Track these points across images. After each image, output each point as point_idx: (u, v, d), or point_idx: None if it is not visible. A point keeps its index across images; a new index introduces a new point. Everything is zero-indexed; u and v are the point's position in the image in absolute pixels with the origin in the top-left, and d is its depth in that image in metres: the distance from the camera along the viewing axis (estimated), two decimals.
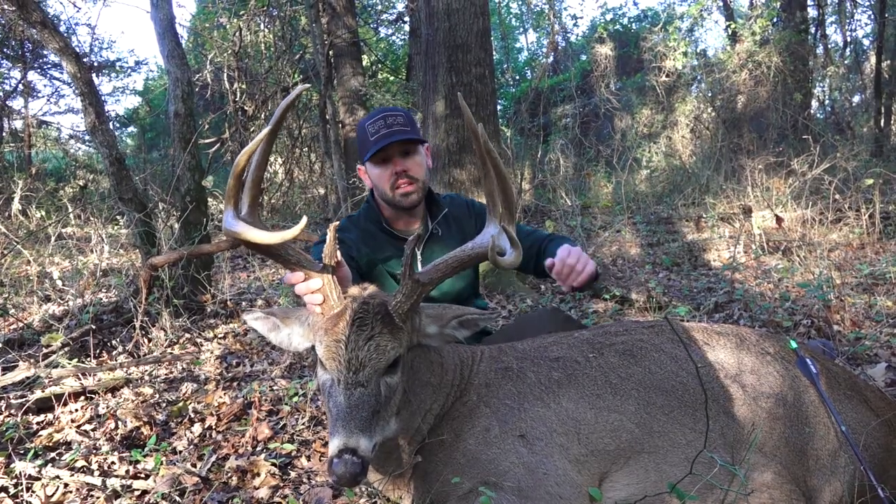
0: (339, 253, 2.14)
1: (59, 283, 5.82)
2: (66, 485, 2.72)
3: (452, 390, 2.27)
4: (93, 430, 3.35)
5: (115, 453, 3.00)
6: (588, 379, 2.20)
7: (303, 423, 3.39)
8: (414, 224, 3.07)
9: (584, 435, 2.11)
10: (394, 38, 19.68)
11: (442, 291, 2.95)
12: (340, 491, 2.70)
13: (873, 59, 14.03)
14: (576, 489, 2.04)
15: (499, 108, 17.98)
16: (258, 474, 2.82)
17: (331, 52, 11.86)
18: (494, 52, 11.55)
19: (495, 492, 2.01)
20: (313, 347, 2.11)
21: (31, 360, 4.00)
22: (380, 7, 18.01)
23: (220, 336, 5.05)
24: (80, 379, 3.89)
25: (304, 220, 1.95)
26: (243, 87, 12.48)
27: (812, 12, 15.28)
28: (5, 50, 15.04)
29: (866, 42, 17.42)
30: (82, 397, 3.74)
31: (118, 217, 7.96)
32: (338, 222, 2.16)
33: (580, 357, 2.27)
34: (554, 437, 2.10)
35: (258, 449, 3.13)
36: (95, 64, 16.77)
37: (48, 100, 17.58)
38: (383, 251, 2.94)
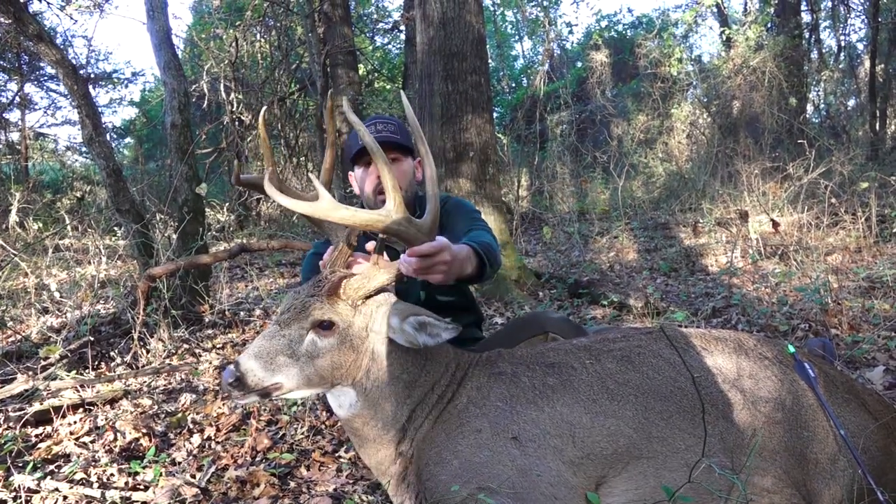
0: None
1: (56, 294, 5.81)
2: (65, 497, 2.71)
3: (436, 388, 2.31)
4: (91, 442, 3.34)
5: (115, 465, 2.99)
6: (584, 384, 2.21)
7: (302, 433, 3.39)
8: None
9: (579, 438, 2.11)
10: (390, 46, 19.76)
11: (434, 303, 2.95)
12: (341, 500, 2.70)
13: (867, 63, 14.11)
14: (571, 490, 2.04)
15: (495, 115, 18.03)
16: (257, 485, 2.82)
17: (327, 62, 11.89)
18: (490, 60, 11.59)
19: (492, 497, 2.01)
20: None
21: (30, 373, 4.00)
22: (376, 16, 18.09)
23: (218, 346, 5.04)
24: (78, 391, 3.88)
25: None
26: (240, 97, 12.50)
27: (806, 17, 15.39)
28: (2, 62, 15.06)
29: (860, 46, 17.51)
30: (81, 409, 3.73)
31: (116, 228, 7.96)
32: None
33: (576, 363, 2.28)
34: (547, 439, 2.11)
35: (257, 459, 3.13)
36: (92, 75, 16.79)
37: (45, 112, 17.62)
38: None
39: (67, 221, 8.62)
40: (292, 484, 2.90)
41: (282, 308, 2.22)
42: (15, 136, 15.97)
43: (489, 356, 2.42)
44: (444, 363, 2.36)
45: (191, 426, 3.50)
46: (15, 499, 2.68)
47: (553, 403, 2.17)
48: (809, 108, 15.52)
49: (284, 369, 2.13)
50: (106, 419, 3.59)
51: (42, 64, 15.05)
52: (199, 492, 2.73)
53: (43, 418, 3.55)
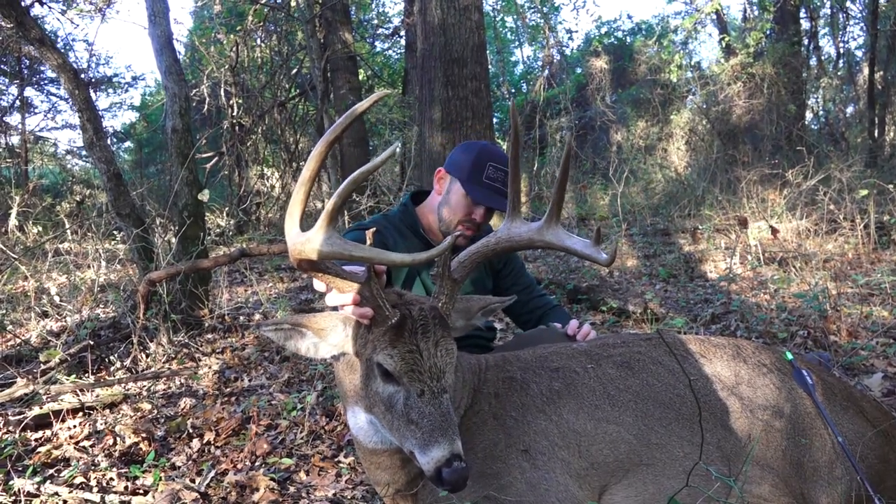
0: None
1: (56, 298, 5.81)
2: (64, 501, 2.72)
3: (468, 393, 2.25)
4: (91, 446, 3.34)
5: (114, 469, 3.00)
6: (587, 389, 2.21)
7: (301, 438, 3.39)
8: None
9: (584, 448, 2.11)
10: (390, 52, 19.81)
11: None
12: None
13: (866, 71, 14.15)
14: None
15: (495, 121, 18.06)
16: (257, 489, 2.82)
17: (327, 67, 11.92)
18: (490, 66, 11.61)
19: None
20: (339, 356, 2.08)
21: (29, 377, 4.00)
22: (376, 22, 18.14)
23: (218, 351, 5.05)
24: (78, 395, 3.88)
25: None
26: (240, 101, 12.52)
27: (805, 24, 15.44)
28: (2, 66, 15.08)
29: (859, 53, 17.59)
30: (80, 413, 3.74)
31: (115, 232, 7.95)
32: (374, 228, 2.12)
33: (579, 368, 2.28)
34: (556, 451, 2.11)
35: (257, 464, 3.13)
36: (93, 80, 16.82)
37: (45, 115, 17.63)
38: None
39: (67, 225, 8.60)
40: (292, 489, 2.90)
41: (428, 374, 1.92)
42: (15, 139, 15.98)
43: (496, 360, 2.39)
44: (467, 363, 2.32)
45: (190, 431, 3.50)
46: (14, 503, 2.68)
47: (560, 411, 2.17)
48: (808, 114, 15.58)
49: None
50: (105, 423, 3.59)
51: (42, 67, 15.09)
52: (199, 496, 2.73)
53: (42, 422, 3.56)
